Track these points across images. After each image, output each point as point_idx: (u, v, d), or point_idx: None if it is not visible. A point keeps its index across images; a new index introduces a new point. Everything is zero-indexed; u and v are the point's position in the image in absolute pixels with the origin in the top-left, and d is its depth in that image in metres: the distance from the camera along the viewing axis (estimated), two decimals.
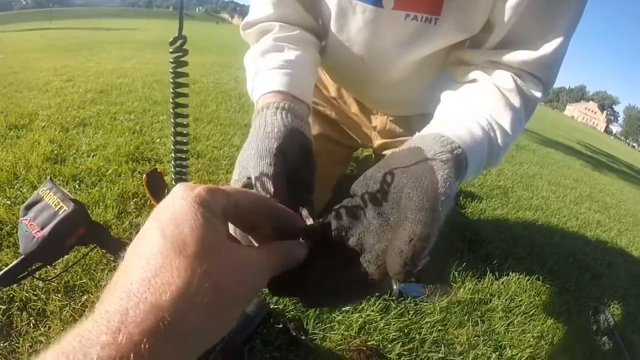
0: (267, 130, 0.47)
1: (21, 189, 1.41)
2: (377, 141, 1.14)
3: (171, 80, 0.37)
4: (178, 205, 0.25)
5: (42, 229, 0.82)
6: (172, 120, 0.39)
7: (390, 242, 0.35)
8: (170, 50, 0.35)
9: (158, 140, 2.11)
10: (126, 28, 19.97)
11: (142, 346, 0.19)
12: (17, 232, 1.12)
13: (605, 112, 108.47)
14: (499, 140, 0.56)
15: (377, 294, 1.17)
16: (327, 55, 0.87)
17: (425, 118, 0.67)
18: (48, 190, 0.87)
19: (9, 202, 1.31)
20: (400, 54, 0.76)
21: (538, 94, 0.64)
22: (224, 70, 5.26)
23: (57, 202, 0.84)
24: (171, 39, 0.35)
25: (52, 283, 1.03)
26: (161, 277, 0.22)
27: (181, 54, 0.36)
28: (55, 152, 1.75)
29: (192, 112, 2.70)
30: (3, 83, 3.28)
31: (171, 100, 0.38)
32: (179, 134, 0.41)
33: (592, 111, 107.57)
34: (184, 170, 0.45)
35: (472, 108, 0.58)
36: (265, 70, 0.62)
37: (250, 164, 0.44)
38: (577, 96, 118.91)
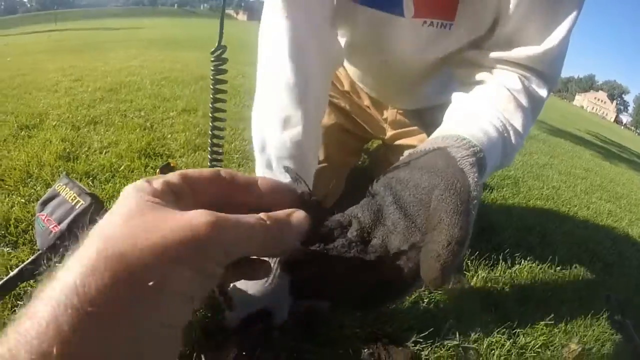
0: None
1: (35, 187, 1.43)
2: (389, 132, 1.18)
3: (211, 87, 0.39)
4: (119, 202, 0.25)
5: (59, 223, 0.83)
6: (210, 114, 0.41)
7: (425, 246, 0.33)
8: (212, 55, 0.37)
9: (169, 135, 2.12)
10: (131, 27, 20.02)
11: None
12: (32, 229, 1.13)
13: (614, 101, 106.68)
14: (513, 141, 0.58)
15: (405, 299, 1.09)
16: (351, 58, 1.00)
17: (434, 109, 0.70)
18: (64, 186, 0.88)
19: (23, 200, 1.33)
20: (419, 57, 0.83)
21: (544, 95, 0.66)
22: (231, 66, 5.20)
23: (74, 196, 0.85)
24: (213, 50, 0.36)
25: None
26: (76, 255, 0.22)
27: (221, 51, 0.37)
28: (68, 150, 1.77)
29: (202, 108, 2.71)
30: (12, 85, 3.30)
31: (211, 96, 0.39)
32: (216, 127, 0.42)
33: (602, 101, 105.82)
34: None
35: (484, 109, 0.59)
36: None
37: None
38: (586, 86, 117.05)
